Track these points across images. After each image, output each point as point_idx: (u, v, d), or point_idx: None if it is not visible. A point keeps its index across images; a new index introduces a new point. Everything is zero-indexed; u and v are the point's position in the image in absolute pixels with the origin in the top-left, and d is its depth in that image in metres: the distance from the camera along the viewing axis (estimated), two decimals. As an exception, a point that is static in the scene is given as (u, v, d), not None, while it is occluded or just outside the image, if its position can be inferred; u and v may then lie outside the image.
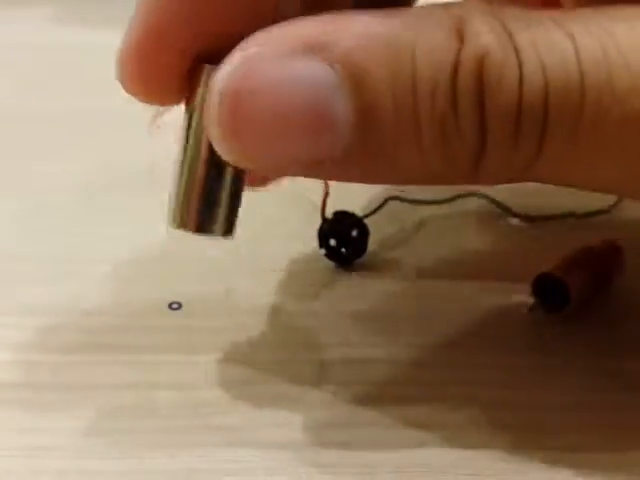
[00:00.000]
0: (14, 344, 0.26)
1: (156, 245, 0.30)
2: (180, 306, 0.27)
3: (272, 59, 0.18)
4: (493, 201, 0.31)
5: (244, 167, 0.20)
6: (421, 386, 0.24)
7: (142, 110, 0.36)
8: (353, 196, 0.30)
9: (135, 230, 0.31)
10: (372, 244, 0.29)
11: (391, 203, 0.31)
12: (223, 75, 0.18)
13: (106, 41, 0.44)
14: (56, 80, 0.42)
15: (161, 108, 0.23)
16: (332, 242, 0.29)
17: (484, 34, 0.18)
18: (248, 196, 0.32)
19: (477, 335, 0.26)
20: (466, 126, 0.18)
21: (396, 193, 0.31)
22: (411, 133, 0.18)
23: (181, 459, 0.22)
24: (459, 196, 0.31)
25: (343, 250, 0.29)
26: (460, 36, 0.18)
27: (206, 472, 0.22)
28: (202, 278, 0.28)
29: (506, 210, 0.31)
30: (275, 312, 0.27)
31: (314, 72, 0.18)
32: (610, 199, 0.31)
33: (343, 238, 0.29)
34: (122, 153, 0.36)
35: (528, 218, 0.31)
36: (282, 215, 0.31)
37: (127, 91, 0.21)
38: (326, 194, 0.29)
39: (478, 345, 0.26)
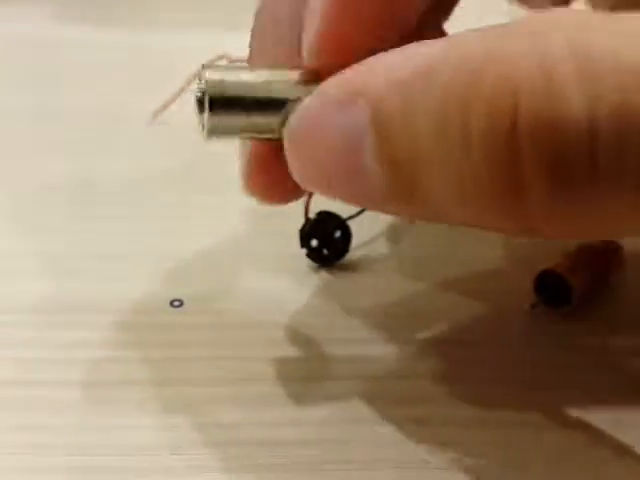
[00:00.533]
0: (15, 341, 0.26)
1: (158, 243, 0.30)
2: (182, 303, 0.27)
3: (319, 103, 0.19)
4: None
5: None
6: (421, 383, 0.24)
7: (140, 107, 0.37)
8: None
9: (137, 227, 0.31)
10: (357, 246, 0.29)
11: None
12: (291, 120, 0.20)
13: (105, 39, 0.44)
14: (55, 77, 0.42)
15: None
16: (314, 243, 0.29)
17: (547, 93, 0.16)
18: (237, 196, 0.32)
19: (477, 332, 0.26)
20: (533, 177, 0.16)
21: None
22: (452, 192, 0.17)
23: (183, 456, 0.22)
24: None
25: (325, 251, 0.29)
26: (513, 95, 0.16)
27: (208, 469, 0.22)
28: (204, 276, 0.28)
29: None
30: (276, 310, 0.27)
31: (347, 116, 0.19)
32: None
33: (325, 239, 0.28)
34: (122, 150, 0.36)
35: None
36: (267, 213, 0.31)
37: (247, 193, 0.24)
38: (310, 194, 0.29)
39: (478, 342, 0.26)
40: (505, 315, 0.26)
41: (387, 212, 0.21)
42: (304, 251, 0.29)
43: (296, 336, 0.26)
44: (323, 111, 0.19)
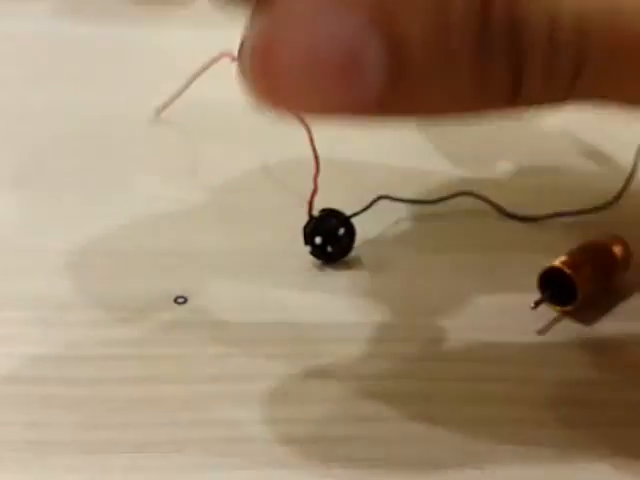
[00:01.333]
0: (18, 338, 0.25)
1: (162, 239, 0.30)
2: (186, 300, 0.27)
3: (299, 15, 0.18)
4: (486, 200, 0.31)
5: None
6: (424, 381, 0.24)
7: (142, 103, 0.36)
8: (343, 194, 0.30)
9: (141, 224, 0.31)
10: (361, 243, 0.29)
11: (381, 202, 0.30)
12: (257, 31, 0.18)
13: (104, 35, 0.44)
14: (54, 73, 0.42)
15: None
16: (318, 240, 0.28)
17: None
18: (241, 194, 0.32)
19: (480, 330, 0.26)
20: (502, 53, 0.18)
21: (386, 192, 0.31)
22: (446, 67, 0.18)
23: (187, 454, 0.22)
24: (450, 196, 0.31)
25: (329, 248, 0.28)
26: None
27: (212, 467, 0.22)
28: (208, 272, 0.28)
29: (499, 209, 0.31)
30: (280, 307, 0.27)
31: (341, 23, 0.18)
32: (603, 198, 0.31)
33: (329, 236, 0.28)
34: (123, 149, 0.35)
35: (521, 217, 0.31)
36: (273, 210, 0.31)
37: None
38: (314, 191, 0.29)
39: (482, 340, 0.25)
40: (509, 313, 0.26)
41: (372, 118, 0.19)
42: (308, 248, 0.28)
43: (299, 334, 0.26)
44: (304, 22, 0.18)
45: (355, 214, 0.29)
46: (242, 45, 0.19)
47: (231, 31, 0.36)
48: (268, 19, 0.18)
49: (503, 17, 0.18)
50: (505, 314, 0.26)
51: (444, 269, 0.29)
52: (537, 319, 0.26)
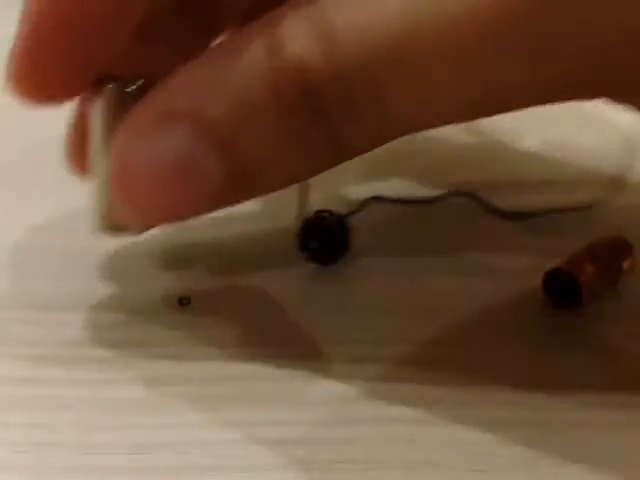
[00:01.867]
0: (21, 339, 0.25)
1: (167, 240, 0.29)
2: (189, 301, 0.27)
3: (136, 143, 0.21)
4: (479, 199, 0.31)
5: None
6: (425, 383, 0.24)
7: None
8: (336, 197, 0.30)
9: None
10: (355, 244, 0.29)
11: (375, 203, 0.30)
12: (112, 163, 0.22)
13: None
14: None
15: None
16: (313, 244, 0.28)
17: (296, 40, 0.19)
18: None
19: (480, 330, 0.26)
20: (313, 126, 0.20)
21: (380, 193, 0.30)
22: (269, 148, 0.21)
23: (188, 455, 0.22)
24: (444, 196, 0.31)
25: (324, 250, 0.28)
26: (275, 47, 0.20)
27: (213, 468, 0.21)
28: (212, 274, 0.28)
29: (492, 208, 0.31)
30: (282, 309, 0.27)
31: (169, 140, 0.21)
32: (595, 195, 0.31)
33: (324, 238, 0.28)
34: None
35: (514, 215, 0.31)
36: (267, 211, 0.31)
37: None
38: (306, 194, 0.28)
39: (482, 341, 0.25)
40: (513, 314, 0.26)
41: (218, 207, 0.22)
42: (303, 251, 0.28)
43: (301, 335, 0.26)
44: (141, 141, 0.21)
45: (350, 214, 0.29)
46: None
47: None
48: (116, 146, 0.22)
49: (299, 94, 0.20)
50: (503, 313, 0.26)
51: (440, 269, 0.28)
52: (538, 319, 0.26)
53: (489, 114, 0.21)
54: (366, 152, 0.21)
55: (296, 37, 0.19)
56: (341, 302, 0.27)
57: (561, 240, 0.29)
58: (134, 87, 0.23)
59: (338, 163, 0.21)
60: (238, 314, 0.26)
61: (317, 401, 0.23)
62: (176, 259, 0.29)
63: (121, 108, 0.23)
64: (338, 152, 0.21)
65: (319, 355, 0.25)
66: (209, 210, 0.22)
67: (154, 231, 0.28)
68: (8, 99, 0.23)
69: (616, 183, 0.31)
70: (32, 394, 0.23)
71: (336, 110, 0.20)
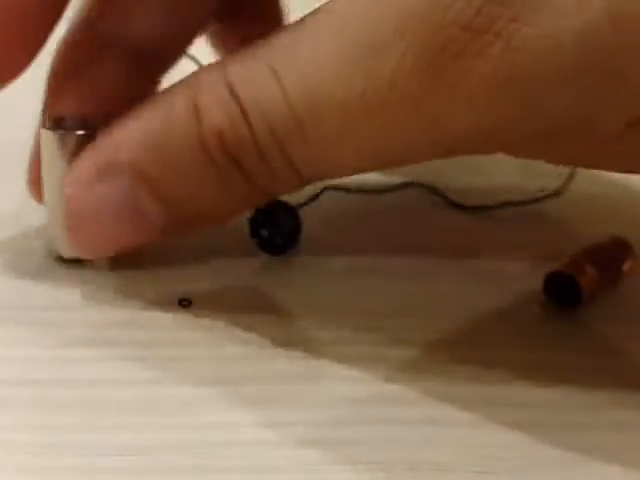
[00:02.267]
0: (19, 339, 0.25)
1: (168, 241, 0.28)
2: (190, 303, 0.26)
3: (77, 191, 0.24)
4: (433, 190, 0.31)
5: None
6: (428, 384, 0.24)
7: None
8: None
9: None
10: (307, 235, 0.29)
11: (328, 193, 0.30)
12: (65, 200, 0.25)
13: None
14: None
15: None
16: (264, 232, 0.28)
17: (213, 112, 0.23)
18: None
19: (484, 332, 0.26)
20: (234, 174, 0.23)
21: (333, 182, 0.30)
22: (204, 199, 0.24)
23: (190, 456, 0.22)
24: (398, 186, 0.31)
25: (275, 240, 0.28)
26: (197, 115, 0.23)
27: (213, 470, 0.21)
28: (213, 275, 0.28)
29: (446, 199, 0.31)
30: (280, 309, 0.27)
31: (110, 191, 0.24)
32: (551, 186, 0.31)
33: (275, 228, 0.28)
34: None
35: (469, 207, 0.31)
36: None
37: None
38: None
39: (481, 340, 0.25)
40: (513, 316, 0.26)
41: (160, 239, 0.25)
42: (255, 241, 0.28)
43: (302, 336, 0.26)
44: (87, 191, 0.24)
45: (302, 205, 0.29)
46: None
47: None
48: (66, 196, 0.25)
49: (217, 147, 0.23)
50: (503, 314, 0.26)
51: (392, 260, 0.28)
52: (539, 321, 0.26)
53: (385, 167, 0.26)
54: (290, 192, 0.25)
55: (212, 105, 0.23)
56: (342, 302, 0.27)
57: (515, 230, 0.29)
58: (80, 132, 0.26)
59: (265, 201, 0.26)
60: (238, 315, 0.26)
61: (319, 402, 0.23)
62: (177, 259, 0.28)
63: (69, 150, 0.26)
64: (263, 196, 0.24)
65: (320, 355, 0.25)
66: (153, 241, 0.25)
67: None
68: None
69: (569, 173, 0.31)
70: (32, 395, 0.23)
71: (254, 168, 0.23)
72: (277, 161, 0.23)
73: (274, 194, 0.25)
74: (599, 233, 0.28)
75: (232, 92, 0.22)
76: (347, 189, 0.31)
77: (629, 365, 0.25)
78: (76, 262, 0.28)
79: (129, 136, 0.24)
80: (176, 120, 0.23)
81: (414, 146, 0.22)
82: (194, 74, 0.24)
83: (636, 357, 0.25)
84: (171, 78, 0.32)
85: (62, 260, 0.28)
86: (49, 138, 0.26)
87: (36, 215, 0.28)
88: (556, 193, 0.31)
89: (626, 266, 0.27)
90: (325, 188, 0.30)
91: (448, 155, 0.23)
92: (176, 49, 0.29)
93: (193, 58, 0.31)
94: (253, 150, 0.22)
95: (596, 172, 0.31)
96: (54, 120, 0.26)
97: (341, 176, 0.25)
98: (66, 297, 0.27)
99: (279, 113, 0.22)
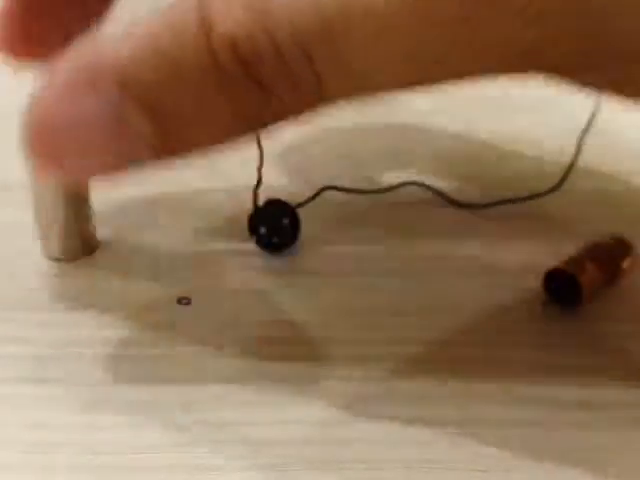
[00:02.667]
0: (21, 338, 0.25)
1: (167, 239, 0.29)
2: (189, 302, 0.26)
3: (58, 91, 0.20)
4: (431, 189, 0.31)
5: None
6: (427, 383, 0.24)
7: None
8: (288, 185, 0.30)
9: (147, 224, 0.30)
10: (306, 234, 0.29)
11: (327, 193, 0.30)
12: (25, 116, 0.21)
13: None
14: None
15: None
16: (262, 230, 0.28)
17: (228, 20, 0.19)
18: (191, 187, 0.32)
19: (485, 331, 0.26)
20: (239, 78, 0.20)
21: (333, 183, 0.30)
22: (199, 105, 0.20)
23: (190, 455, 0.22)
24: (396, 186, 0.31)
25: (274, 239, 0.28)
26: (207, 25, 0.20)
27: (212, 469, 0.21)
28: (211, 274, 0.28)
29: (444, 197, 0.31)
30: (280, 309, 0.27)
31: (92, 98, 0.20)
32: (546, 184, 0.31)
33: (274, 226, 0.28)
34: None
35: (467, 205, 0.31)
36: (217, 201, 0.31)
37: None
38: (259, 182, 0.28)
39: (481, 338, 0.25)
40: (512, 313, 0.26)
41: (149, 161, 0.21)
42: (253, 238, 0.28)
43: (304, 336, 0.26)
44: (64, 96, 0.20)
45: (300, 204, 0.29)
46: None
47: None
48: (39, 99, 0.21)
49: (227, 48, 0.19)
50: (503, 312, 0.26)
51: (390, 260, 0.28)
52: (539, 319, 0.26)
53: (424, 84, 0.21)
54: (301, 114, 0.21)
55: (223, 3, 0.20)
56: (341, 300, 0.27)
57: (511, 228, 0.29)
58: None
59: (270, 122, 0.21)
60: (237, 313, 0.26)
61: (319, 401, 0.23)
62: (177, 258, 0.28)
63: None
64: (270, 115, 0.21)
65: (321, 355, 0.25)
66: (137, 165, 0.21)
67: (155, 231, 0.29)
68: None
69: (564, 170, 0.31)
70: (34, 394, 0.23)
71: (270, 74, 0.20)
72: (298, 65, 0.20)
73: (284, 113, 0.21)
74: (598, 229, 0.28)
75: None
76: (346, 189, 0.31)
77: (629, 363, 0.25)
78: (73, 261, 0.28)
79: (117, 38, 0.21)
80: (178, 19, 0.20)
81: (451, 60, 0.20)
82: None
83: (636, 355, 0.25)
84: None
85: (59, 260, 0.28)
86: None
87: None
88: (554, 189, 0.31)
89: (625, 264, 0.27)
90: (324, 188, 0.30)
91: (484, 72, 0.20)
92: None
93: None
94: (271, 53, 0.20)
95: (594, 168, 0.31)
96: None
97: (364, 94, 0.22)
98: (64, 297, 0.27)
99: (304, 12, 0.19)
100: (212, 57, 0.20)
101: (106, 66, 0.20)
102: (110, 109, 0.20)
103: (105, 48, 0.20)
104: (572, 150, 0.32)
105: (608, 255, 0.27)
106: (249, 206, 0.28)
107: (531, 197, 0.30)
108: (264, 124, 0.21)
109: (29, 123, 0.21)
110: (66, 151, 0.21)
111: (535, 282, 0.27)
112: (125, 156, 0.21)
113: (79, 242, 0.28)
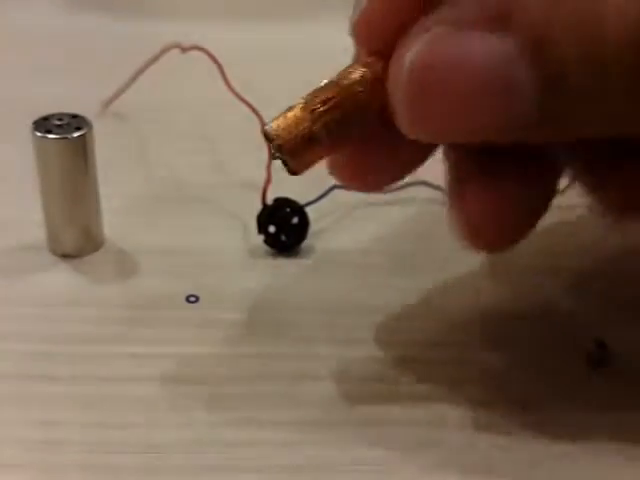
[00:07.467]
0: (31, 335, 0.25)
1: (175, 238, 0.29)
2: (197, 299, 0.26)
3: (455, 36, 0.19)
4: (439, 188, 0.31)
5: (424, 139, 0.20)
6: (431, 385, 0.24)
7: (149, 97, 0.35)
8: (297, 184, 0.30)
9: (155, 222, 0.30)
10: (314, 232, 0.29)
11: (336, 191, 0.30)
12: (412, 54, 0.19)
13: (120, 28, 0.43)
14: (70, 66, 0.40)
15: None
16: (271, 229, 0.28)
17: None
18: (199, 185, 0.32)
19: (482, 329, 0.26)
20: None
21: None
22: (600, 85, 0.18)
23: (198, 455, 0.22)
24: (404, 185, 0.31)
25: (282, 237, 0.28)
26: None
27: (222, 469, 0.21)
28: (220, 272, 0.28)
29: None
30: (283, 308, 0.27)
31: (494, 46, 0.19)
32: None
33: (282, 225, 0.28)
34: (130, 141, 0.34)
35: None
36: (227, 199, 0.31)
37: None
38: (268, 180, 0.28)
39: (485, 339, 0.25)
40: (518, 312, 0.26)
41: (526, 138, 0.20)
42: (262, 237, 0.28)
43: (305, 336, 0.25)
44: (455, 41, 0.19)
45: (309, 203, 0.29)
46: (393, 65, 0.20)
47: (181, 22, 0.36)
48: (425, 41, 0.19)
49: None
50: (505, 311, 0.26)
51: (399, 258, 0.28)
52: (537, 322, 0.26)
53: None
54: None
55: None
56: (349, 299, 0.27)
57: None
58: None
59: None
60: (244, 312, 0.26)
61: (322, 401, 0.23)
62: (185, 256, 0.28)
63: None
64: None
65: (322, 355, 0.25)
66: (501, 137, 0.20)
67: (157, 231, 0.29)
68: None
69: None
70: (43, 391, 0.23)
71: None
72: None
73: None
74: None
75: None
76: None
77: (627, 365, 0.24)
78: (79, 258, 0.28)
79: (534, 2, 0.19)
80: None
81: None
82: None
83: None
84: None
85: (66, 256, 0.28)
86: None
87: (35, 212, 0.28)
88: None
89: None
90: (333, 187, 0.30)
91: None
92: None
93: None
94: None
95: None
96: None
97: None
98: (71, 293, 0.27)
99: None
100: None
101: (513, 17, 0.19)
102: (508, 64, 0.19)
103: (517, 5, 0.19)
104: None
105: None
106: (258, 204, 0.28)
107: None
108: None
109: (419, 59, 0.19)
110: (448, 98, 0.19)
111: (541, 279, 0.26)
112: (503, 117, 0.19)
113: (86, 238, 0.28)
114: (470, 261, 0.28)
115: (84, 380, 0.24)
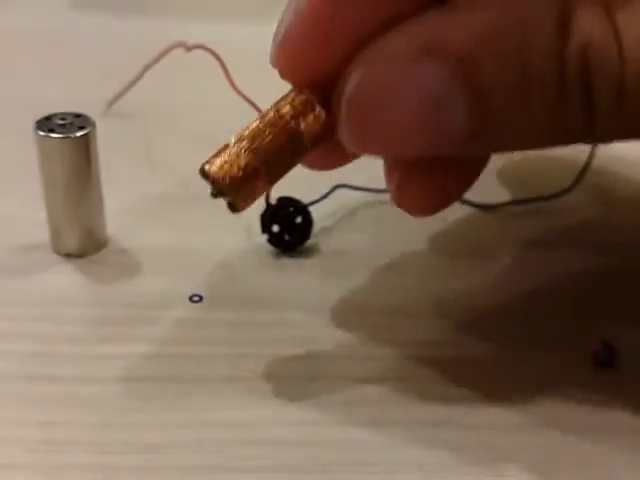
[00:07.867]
0: (32, 335, 0.25)
1: (178, 237, 0.29)
2: (201, 299, 0.26)
3: (391, 67, 0.20)
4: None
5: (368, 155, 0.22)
6: (435, 385, 0.24)
7: (150, 96, 0.35)
8: (300, 183, 0.30)
9: (158, 221, 0.30)
10: (318, 232, 0.29)
11: (339, 191, 0.30)
12: (349, 86, 0.21)
13: (123, 27, 0.43)
14: (73, 65, 0.40)
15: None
16: (275, 228, 0.28)
17: (587, 24, 0.19)
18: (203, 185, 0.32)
19: (486, 329, 0.26)
20: (576, 92, 0.20)
21: (345, 181, 0.30)
22: (524, 109, 0.20)
23: (201, 455, 0.22)
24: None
25: (286, 236, 0.28)
26: (565, 25, 0.19)
27: (222, 469, 0.21)
28: (223, 271, 0.28)
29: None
30: (290, 306, 0.27)
31: (428, 74, 0.20)
32: (559, 185, 0.31)
33: (286, 224, 0.28)
34: (132, 140, 0.34)
35: (477, 205, 0.30)
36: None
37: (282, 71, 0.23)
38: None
39: (490, 340, 0.25)
40: (524, 313, 0.26)
41: (456, 154, 0.21)
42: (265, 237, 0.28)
43: (307, 336, 0.25)
44: (396, 73, 0.20)
45: (313, 202, 0.29)
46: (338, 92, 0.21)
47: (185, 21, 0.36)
48: (361, 73, 0.21)
49: (577, 58, 0.19)
50: (499, 316, 0.26)
51: (402, 258, 0.28)
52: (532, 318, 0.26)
53: None
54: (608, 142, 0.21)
55: (584, 18, 0.19)
56: (353, 299, 0.27)
57: (522, 228, 0.29)
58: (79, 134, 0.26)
59: (574, 143, 0.21)
60: (247, 311, 0.26)
61: (322, 401, 0.23)
62: (188, 255, 0.28)
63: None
64: (583, 133, 0.20)
65: (324, 355, 0.25)
66: (434, 153, 0.21)
67: (160, 230, 0.29)
68: None
69: (580, 170, 0.31)
70: (43, 391, 0.23)
71: (603, 93, 0.20)
72: (632, 105, 0.19)
73: (592, 138, 0.21)
74: (610, 230, 0.28)
75: (609, 13, 0.19)
76: (358, 187, 0.30)
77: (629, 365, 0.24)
78: (83, 258, 0.28)
79: (464, 24, 0.20)
80: (535, 23, 0.20)
81: None
82: None
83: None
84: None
85: (69, 256, 0.28)
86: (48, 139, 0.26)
87: (39, 211, 0.28)
88: (568, 190, 0.31)
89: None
90: (336, 186, 0.30)
91: None
92: None
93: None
94: (614, 73, 0.19)
95: (609, 168, 0.31)
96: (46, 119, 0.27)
97: None
98: (74, 293, 0.27)
99: None
100: (560, 59, 0.19)
101: (446, 47, 0.20)
102: (440, 91, 0.20)
103: (446, 29, 0.20)
104: (587, 150, 0.32)
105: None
106: (261, 204, 0.28)
107: (545, 197, 0.30)
108: (570, 144, 0.21)
109: (357, 91, 0.21)
110: (385, 124, 0.21)
111: (547, 280, 0.26)
112: (435, 137, 0.21)
113: (89, 238, 0.28)
114: (471, 261, 0.28)
115: (86, 380, 0.24)
